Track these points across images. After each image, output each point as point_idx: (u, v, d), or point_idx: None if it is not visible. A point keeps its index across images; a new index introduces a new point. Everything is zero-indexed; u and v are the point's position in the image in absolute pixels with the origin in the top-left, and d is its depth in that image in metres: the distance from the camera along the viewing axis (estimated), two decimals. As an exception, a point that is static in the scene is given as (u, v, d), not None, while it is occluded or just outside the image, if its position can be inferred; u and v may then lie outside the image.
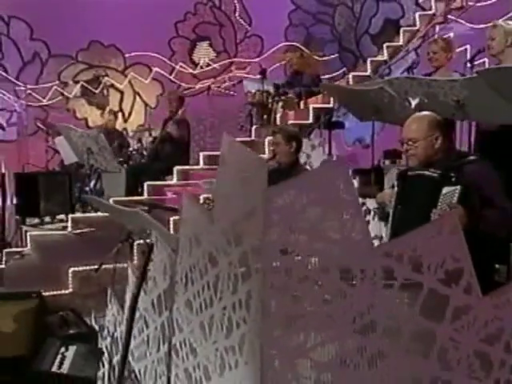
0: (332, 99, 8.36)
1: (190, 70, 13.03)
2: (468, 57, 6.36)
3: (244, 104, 10.19)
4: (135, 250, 4.68)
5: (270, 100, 9.13)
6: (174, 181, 7.97)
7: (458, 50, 6.45)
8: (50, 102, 12.41)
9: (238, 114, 10.98)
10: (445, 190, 3.49)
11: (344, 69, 11.81)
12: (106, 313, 4.02)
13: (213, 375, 2.42)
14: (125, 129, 10.74)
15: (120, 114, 12.35)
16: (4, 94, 12.12)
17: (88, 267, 5.37)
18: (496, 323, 2.01)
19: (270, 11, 12.32)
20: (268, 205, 1.96)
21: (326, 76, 11.12)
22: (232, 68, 13.09)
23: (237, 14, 13.24)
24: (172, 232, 5.24)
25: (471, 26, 8.42)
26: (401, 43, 9.27)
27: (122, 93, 12.95)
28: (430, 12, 9.25)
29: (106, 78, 12.75)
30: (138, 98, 13.06)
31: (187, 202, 2.76)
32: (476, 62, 5.36)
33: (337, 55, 12.43)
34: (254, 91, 9.53)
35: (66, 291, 5.52)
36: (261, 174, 2.04)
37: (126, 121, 12.59)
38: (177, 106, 8.91)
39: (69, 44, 12.19)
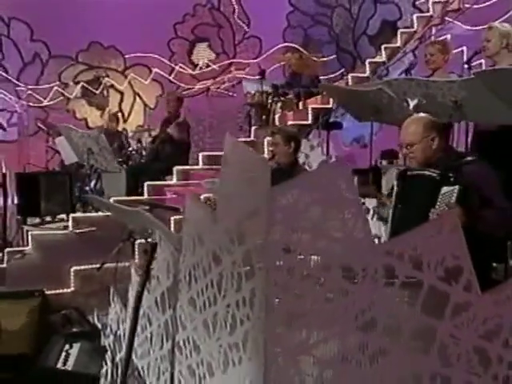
0: (331, 100, 8.39)
1: (190, 71, 13.06)
2: (465, 58, 6.41)
3: (243, 105, 10.21)
4: (136, 249, 4.70)
5: (269, 101, 9.15)
6: (174, 181, 7.97)
7: (454, 51, 6.50)
8: (51, 102, 12.42)
9: (237, 114, 10.99)
10: (444, 189, 3.51)
11: (342, 70, 11.83)
12: (108, 311, 4.03)
13: (216, 371, 2.43)
14: (124, 129, 10.75)
15: (120, 115, 12.37)
16: (5, 95, 12.15)
17: (90, 266, 5.38)
18: (495, 320, 2.03)
19: (269, 13, 12.34)
20: (271, 204, 1.98)
21: (325, 77, 11.14)
22: (231, 69, 13.12)
23: (235, 16, 13.27)
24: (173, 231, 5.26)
25: (468, 27, 8.47)
26: (398, 45, 9.30)
27: (122, 93, 12.99)
28: (427, 14, 9.29)
29: (106, 79, 12.77)
30: (137, 98, 13.10)
31: (190, 201, 2.78)
32: (473, 64, 5.41)
33: (335, 56, 12.45)
34: (253, 92, 9.55)
35: (68, 290, 5.51)
36: (264, 174, 2.05)
37: (125, 121, 12.60)
38: (174, 106, 8.93)
39: (69, 45, 12.23)
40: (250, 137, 8.85)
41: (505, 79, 4.41)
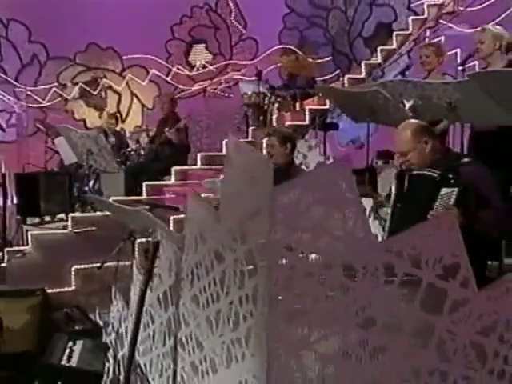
0: (328, 101, 8.43)
1: (187, 72, 13.07)
2: (459, 60, 6.47)
3: (240, 105, 10.19)
4: (137, 249, 4.73)
5: (266, 102, 9.19)
6: (172, 181, 8.01)
7: (448, 53, 6.56)
8: (49, 103, 12.43)
9: (235, 115, 10.97)
10: (443, 190, 3.54)
11: (338, 71, 11.87)
12: (109, 309, 4.03)
13: (219, 368, 2.44)
14: (122, 129, 10.77)
15: (118, 115, 12.39)
16: (4, 96, 12.16)
17: (90, 265, 5.40)
18: (491, 316, 2.08)
19: (265, 14, 12.35)
20: (273, 204, 2.00)
21: (321, 78, 11.18)
22: (228, 70, 13.15)
23: (232, 17, 13.29)
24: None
25: (462, 30, 8.54)
26: (394, 47, 9.35)
27: (119, 94, 13.00)
28: (422, 16, 9.35)
29: (104, 80, 12.77)
30: (135, 99, 13.12)
31: (192, 200, 2.79)
32: (467, 65, 5.46)
33: (330, 58, 12.49)
34: (249, 93, 9.56)
35: (69, 289, 5.51)
36: (266, 174, 2.06)
37: (123, 121, 12.62)
38: (169, 108, 8.97)
39: (67, 46, 12.24)
40: (247, 137, 8.88)
41: (498, 81, 4.45)
